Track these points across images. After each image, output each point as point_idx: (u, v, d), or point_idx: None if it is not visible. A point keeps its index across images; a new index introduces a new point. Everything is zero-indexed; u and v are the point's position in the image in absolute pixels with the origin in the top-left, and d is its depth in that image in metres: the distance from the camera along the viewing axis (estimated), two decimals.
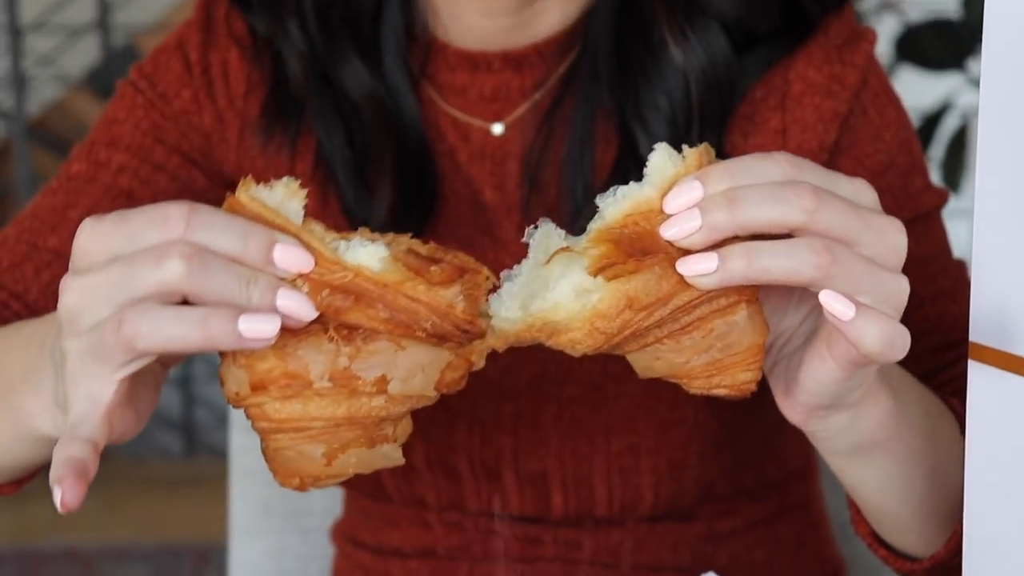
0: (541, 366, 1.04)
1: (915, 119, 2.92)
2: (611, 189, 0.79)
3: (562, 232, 0.79)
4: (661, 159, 0.79)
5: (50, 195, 1.10)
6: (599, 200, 0.78)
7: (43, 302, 1.06)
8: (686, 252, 0.77)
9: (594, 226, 0.79)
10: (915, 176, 1.06)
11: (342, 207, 1.08)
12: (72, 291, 0.73)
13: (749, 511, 1.07)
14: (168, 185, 1.09)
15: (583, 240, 0.79)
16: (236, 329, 0.70)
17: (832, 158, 1.04)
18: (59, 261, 1.07)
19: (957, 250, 1.08)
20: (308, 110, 1.08)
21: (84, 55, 5.43)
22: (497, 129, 1.07)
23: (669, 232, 0.74)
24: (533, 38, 1.06)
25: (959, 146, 3.01)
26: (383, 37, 1.06)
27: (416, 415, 1.05)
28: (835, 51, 1.04)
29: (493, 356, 1.04)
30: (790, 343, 0.83)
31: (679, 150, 0.98)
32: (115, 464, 4.82)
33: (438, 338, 0.78)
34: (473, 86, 1.07)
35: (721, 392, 0.81)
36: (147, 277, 0.70)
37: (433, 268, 0.78)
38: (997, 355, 0.78)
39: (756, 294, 0.79)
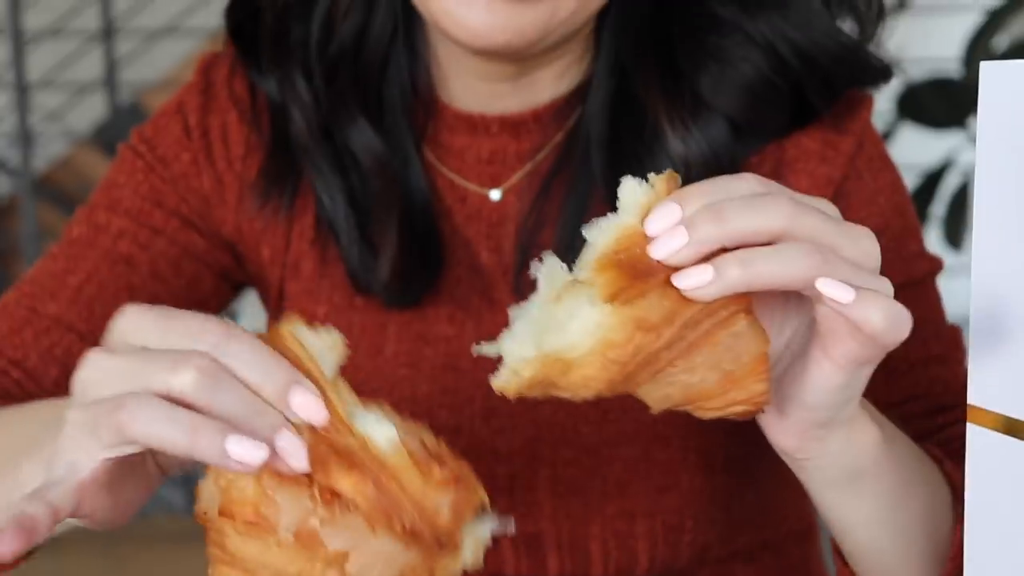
0: (536, 429, 1.05)
1: (916, 177, 2.94)
2: (592, 220, 0.79)
3: (565, 265, 0.79)
4: (631, 190, 0.79)
5: (51, 260, 1.10)
6: (585, 231, 0.78)
7: (42, 368, 1.06)
8: (678, 270, 0.77)
9: (589, 256, 0.79)
10: (909, 241, 1.06)
11: (346, 268, 1.08)
12: (90, 366, 0.73)
13: (745, 574, 1.06)
14: (167, 249, 1.09)
15: (584, 270, 0.78)
16: (223, 446, 0.69)
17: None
18: (58, 328, 1.07)
19: (961, 307, 1.08)
20: (308, 170, 1.08)
21: (91, 112, 5.46)
22: (495, 195, 1.08)
23: (659, 252, 0.74)
24: (531, 104, 1.06)
25: (960, 204, 3.03)
26: (388, 97, 1.07)
27: None
28: (830, 118, 1.05)
29: (487, 418, 1.05)
30: (777, 365, 0.82)
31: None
32: None
33: (412, 537, 0.77)
34: (471, 149, 1.08)
35: (738, 410, 0.81)
36: (159, 375, 0.70)
37: (436, 468, 0.78)
38: (996, 417, 0.78)
39: (751, 303, 0.78)
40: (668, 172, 0.79)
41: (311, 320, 1.07)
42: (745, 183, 0.76)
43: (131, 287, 1.08)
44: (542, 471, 1.04)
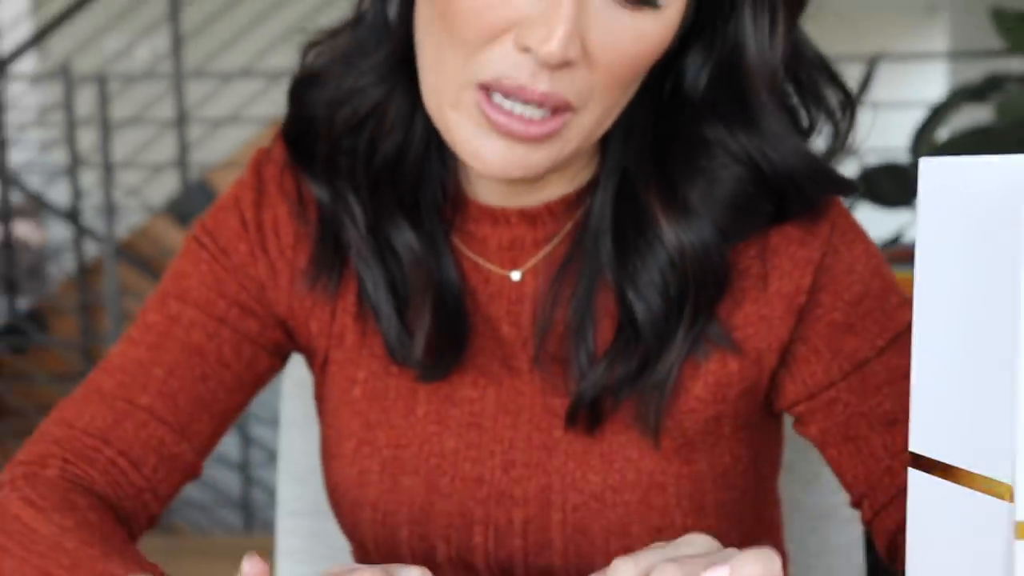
0: (548, 477, 1.04)
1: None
2: None
3: None
4: None
5: (133, 347, 1.09)
6: None
7: (143, 458, 1.05)
8: None
9: None
10: (890, 296, 1.05)
11: (385, 344, 1.07)
12: None
13: None
14: (230, 336, 1.09)
15: None
16: None
17: (811, 296, 1.03)
18: (153, 420, 1.06)
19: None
20: (353, 261, 1.07)
21: (165, 188, 5.47)
22: (515, 276, 1.07)
23: None
24: (545, 199, 1.05)
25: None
26: (423, 200, 1.06)
27: (438, 519, 1.06)
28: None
29: (506, 469, 1.05)
30: None
31: (678, 321, 1.01)
32: (183, 537, 4.80)
33: None
34: (493, 237, 1.07)
35: None
36: None
37: None
38: (932, 463, 0.78)
39: None
40: None
41: (352, 380, 1.08)
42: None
43: (204, 376, 1.08)
44: (554, 515, 1.04)
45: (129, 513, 1.03)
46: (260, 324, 1.10)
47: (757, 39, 0.96)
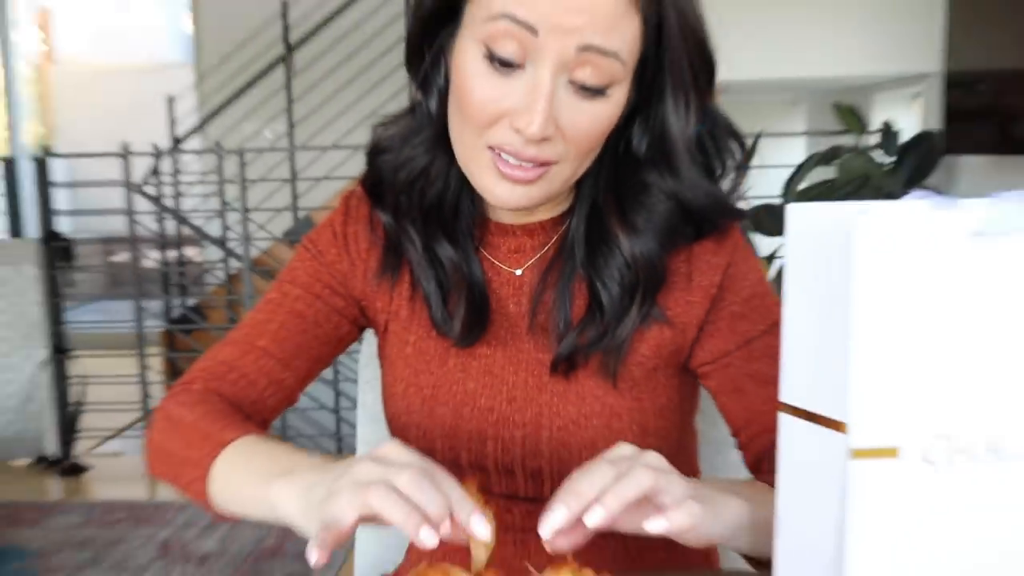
0: (538, 408, 1.04)
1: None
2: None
3: None
4: None
5: (257, 312, 1.11)
6: None
7: (260, 381, 1.06)
8: None
9: None
10: (768, 297, 1.05)
11: (431, 321, 1.07)
12: (365, 465, 0.76)
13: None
14: (322, 307, 1.10)
15: None
16: (418, 532, 0.71)
17: (719, 291, 1.03)
18: (266, 355, 1.07)
19: None
20: (411, 268, 1.08)
21: (282, 223, 5.47)
22: (518, 272, 1.07)
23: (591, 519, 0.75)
24: (539, 219, 1.06)
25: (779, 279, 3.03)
26: (459, 225, 1.06)
27: (462, 436, 1.05)
28: (718, 230, 1.05)
29: (509, 401, 1.04)
30: None
31: (630, 303, 1.01)
32: None
33: None
34: (504, 245, 1.07)
35: None
36: (392, 473, 0.74)
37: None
38: (796, 409, 0.77)
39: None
40: None
41: (405, 343, 1.08)
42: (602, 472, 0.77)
43: (303, 331, 1.09)
44: (543, 433, 1.03)
45: (247, 415, 1.04)
46: (343, 301, 1.11)
47: (676, 117, 0.97)
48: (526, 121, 0.89)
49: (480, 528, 0.73)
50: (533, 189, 0.95)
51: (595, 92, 0.91)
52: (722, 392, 1.05)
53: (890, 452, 0.68)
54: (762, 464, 1.02)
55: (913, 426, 0.68)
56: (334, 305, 1.10)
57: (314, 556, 0.73)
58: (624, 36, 0.90)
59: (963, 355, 0.68)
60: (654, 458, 0.79)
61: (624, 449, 0.81)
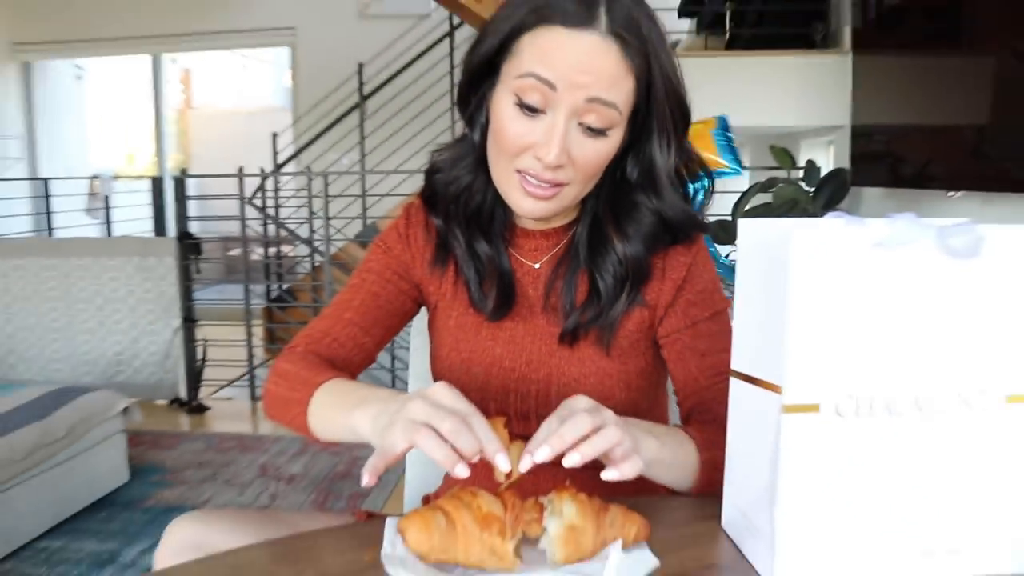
0: (549, 370, 1.03)
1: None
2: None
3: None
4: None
5: (343, 294, 1.10)
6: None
7: (347, 343, 1.06)
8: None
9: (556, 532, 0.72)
10: (715, 293, 1.04)
11: (469, 300, 1.06)
12: (417, 404, 0.74)
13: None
14: (392, 288, 1.09)
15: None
16: (455, 467, 0.71)
17: (682, 284, 1.02)
18: (352, 324, 1.07)
19: None
20: (454, 256, 1.07)
21: (354, 228, 5.46)
22: (537, 265, 1.06)
23: (569, 461, 0.72)
24: (553, 226, 1.05)
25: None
26: (494, 227, 1.05)
27: (490, 391, 1.03)
28: (687, 239, 1.03)
29: (528, 363, 1.03)
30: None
31: (621, 291, 1.00)
32: None
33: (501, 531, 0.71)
34: (527, 245, 1.06)
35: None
36: (436, 420, 0.72)
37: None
38: (743, 376, 0.76)
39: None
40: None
41: (449, 317, 1.07)
42: (579, 423, 0.74)
43: (378, 306, 1.08)
44: (552, 389, 1.02)
45: (339, 369, 1.02)
46: (407, 284, 1.10)
47: (660, 152, 0.96)
48: (545, 152, 0.90)
49: (502, 463, 0.72)
50: (549, 204, 0.95)
51: (598, 132, 0.91)
52: (670, 360, 1.04)
53: (813, 408, 0.68)
54: (690, 417, 1.01)
55: (830, 388, 0.68)
56: (400, 287, 1.10)
57: (365, 478, 0.73)
58: (621, 92, 0.90)
59: (868, 335, 0.68)
60: (609, 414, 0.78)
61: (582, 401, 0.78)
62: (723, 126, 3.08)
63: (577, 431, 0.73)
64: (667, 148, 0.96)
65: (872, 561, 0.70)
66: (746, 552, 0.75)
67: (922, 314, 0.68)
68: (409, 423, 0.73)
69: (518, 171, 0.94)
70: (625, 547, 0.72)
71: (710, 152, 3.01)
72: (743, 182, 4.32)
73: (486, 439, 0.73)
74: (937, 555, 0.71)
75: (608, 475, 0.75)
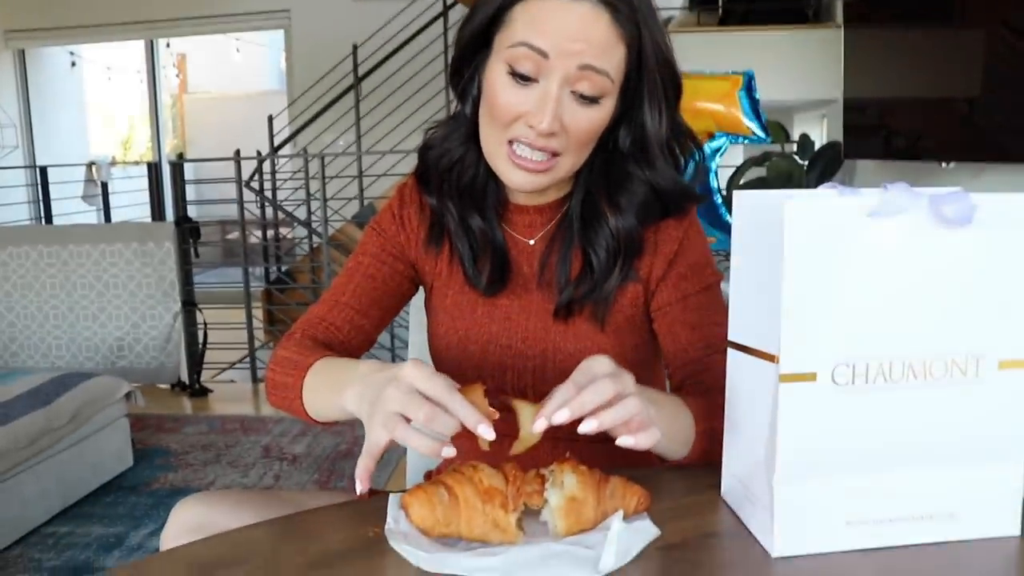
0: (545, 345, 1.03)
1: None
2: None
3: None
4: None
5: (340, 278, 1.10)
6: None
7: (344, 327, 1.06)
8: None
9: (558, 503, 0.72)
10: (707, 267, 1.04)
11: (464, 276, 1.06)
12: (391, 392, 0.73)
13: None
14: (387, 269, 1.09)
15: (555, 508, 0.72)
16: (437, 454, 0.72)
17: (674, 258, 1.02)
18: (348, 307, 1.07)
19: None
20: (448, 235, 1.06)
21: (351, 209, 5.46)
22: (531, 242, 1.06)
23: (586, 428, 0.72)
24: (547, 201, 1.05)
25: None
26: (487, 202, 1.05)
27: (487, 367, 1.03)
28: (679, 211, 1.03)
29: (523, 339, 1.02)
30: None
31: (614, 266, 0.99)
32: None
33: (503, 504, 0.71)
34: (521, 221, 1.06)
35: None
36: (411, 411, 0.72)
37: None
38: (740, 346, 0.77)
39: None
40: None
41: (445, 296, 1.07)
42: (601, 388, 0.73)
43: (374, 288, 1.08)
44: (548, 364, 1.02)
45: (337, 354, 1.01)
46: (403, 265, 1.09)
47: (652, 121, 0.96)
48: (538, 119, 0.90)
49: (485, 432, 0.71)
50: (541, 177, 0.95)
51: (591, 100, 0.91)
52: (661, 332, 1.04)
53: (810, 376, 0.68)
54: (682, 388, 1.00)
55: (826, 357, 0.68)
56: (396, 268, 1.09)
57: (359, 486, 0.75)
58: (612, 60, 0.90)
59: (863, 303, 0.68)
60: (630, 379, 0.76)
61: (604, 364, 0.76)
62: (748, 85, 2.95)
63: (599, 398, 0.72)
64: (659, 117, 0.96)
65: (870, 527, 0.71)
66: (745, 520, 0.75)
67: (916, 282, 0.68)
68: (386, 416, 0.73)
69: (509, 142, 0.94)
70: (626, 518, 0.72)
71: (736, 114, 2.89)
72: (738, 156, 4.31)
73: (464, 414, 0.72)
74: (935, 520, 0.71)
75: (624, 442, 0.74)
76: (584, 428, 0.72)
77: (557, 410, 0.72)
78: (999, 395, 0.70)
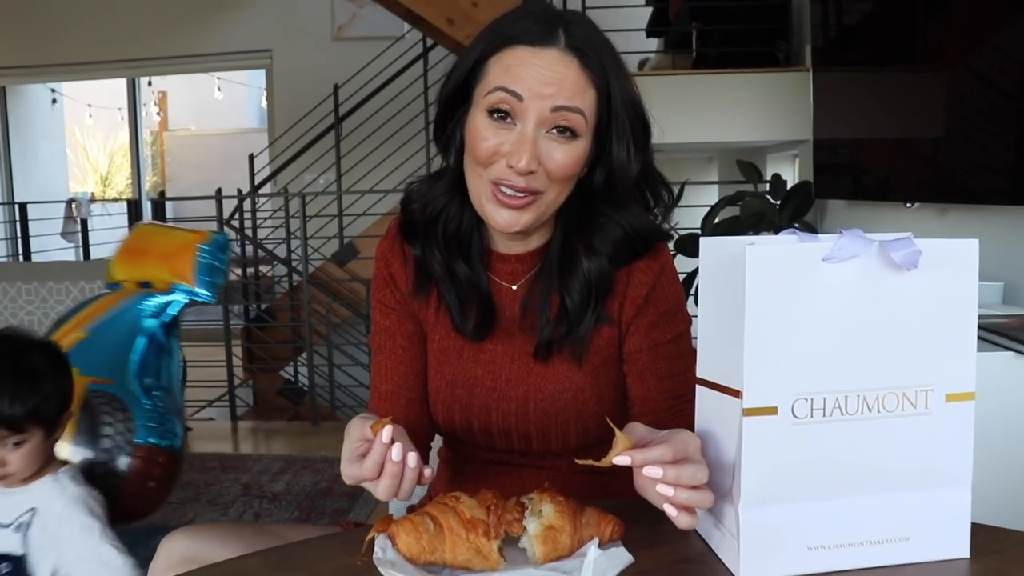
0: (526, 387, 1.05)
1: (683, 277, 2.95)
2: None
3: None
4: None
5: (373, 367, 1.13)
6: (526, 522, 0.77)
7: (401, 415, 1.07)
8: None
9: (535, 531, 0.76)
10: (678, 315, 1.07)
11: (451, 322, 1.08)
12: (343, 471, 0.83)
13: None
14: (404, 336, 1.10)
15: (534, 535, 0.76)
16: (396, 482, 0.80)
17: (644, 303, 1.04)
18: (392, 396, 1.09)
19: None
20: (436, 283, 1.08)
21: (331, 247, 5.48)
22: (514, 287, 1.08)
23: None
24: (527, 248, 1.07)
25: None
26: (472, 251, 1.07)
27: (474, 408, 1.06)
28: (651, 254, 1.05)
29: (508, 381, 1.05)
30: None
31: (587, 308, 1.02)
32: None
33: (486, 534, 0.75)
34: (504, 268, 1.08)
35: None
36: (374, 492, 0.82)
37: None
38: (707, 382, 0.80)
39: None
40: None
41: (433, 341, 1.09)
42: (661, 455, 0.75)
43: (402, 361, 1.09)
44: (530, 405, 1.05)
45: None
46: (412, 322, 1.10)
47: (621, 161, 0.99)
48: (516, 159, 0.94)
49: (395, 453, 0.78)
50: (525, 215, 0.98)
51: (566, 138, 0.96)
52: (631, 375, 1.06)
53: (771, 410, 0.73)
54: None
55: (786, 392, 0.73)
56: (410, 329, 1.11)
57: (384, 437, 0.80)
58: (585, 100, 0.95)
59: (820, 341, 0.73)
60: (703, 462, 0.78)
61: (697, 445, 0.78)
62: (219, 246, 2.74)
63: (693, 480, 0.75)
64: (628, 157, 1.00)
65: (830, 551, 0.75)
66: (714, 547, 0.79)
67: (868, 321, 0.73)
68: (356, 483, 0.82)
69: (492, 182, 0.97)
70: (601, 545, 0.76)
71: (184, 267, 2.65)
72: (712, 195, 4.39)
73: (411, 464, 0.80)
74: (891, 543, 0.76)
75: (679, 521, 0.76)
76: (662, 490, 0.75)
77: (649, 463, 0.75)
78: (947, 425, 0.75)
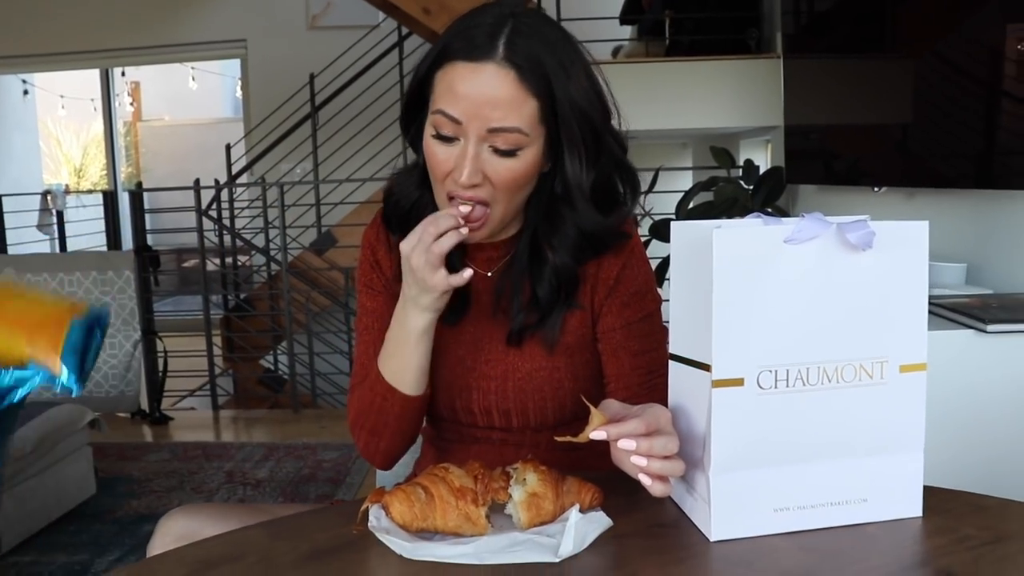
0: (503, 367, 1.09)
1: (656, 262, 3.00)
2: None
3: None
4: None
5: (358, 347, 1.15)
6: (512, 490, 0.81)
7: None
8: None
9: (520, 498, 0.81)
10: (648, 295, 1.10)
11: None
12: (416, 261, 0.96)
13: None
14: (382, 297, 1.13)
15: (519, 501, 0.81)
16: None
17: (614, 284, 1.07)
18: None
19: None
20: None
21: (309, 236, 5.49)
22: (489, 274, 1.11)
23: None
24: (501, 238, 1.10)
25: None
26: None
27: (455, 388, 1.09)
28: (620, 239, 1.08)
29: (486, 361, 1.08)
30: None
31: (556, 299, 1.05)
32: (330, 409, 4.78)
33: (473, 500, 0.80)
34: (480, 256, 1.11)
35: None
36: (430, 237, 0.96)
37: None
38: (679, 358, 0.85)
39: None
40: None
41: None
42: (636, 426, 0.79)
43: (382, 327, 1.09)
44: (508, 384, 1.08)
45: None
46: (391, 284, 1.13)
47: (573, 169, 1.01)
48: (459, 174, 0.97)
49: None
50: (479, 232, 1.01)
51: (507, 153, 0.97)
52: (605, 355, 1.09)
53: (738, 382, 0.78)
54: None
55: (752, 364, 0.78)
56: (390, 293, 1.12)
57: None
58: (523, 114, 0.96)
59: (782, 317, 0.78)
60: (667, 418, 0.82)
61: (668, 418, 0.82)
62: (99, 322, 2.44)
63: (665, 451, 0.79)
64: (579, 164, 1.01)
65: (794, 512, 0.81)
66: (687, 511, 0.85)
67: (827, 298, 0.78)
68: (422, 265, 0.94)
69: (450, 197, 1.00)
70: (582, 511, 0.81)
71: (49, 344, 2.18)
72: (686, 181, 4.44)
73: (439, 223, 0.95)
74: (850, 504, 0.82)
75: (653, 489, 0.81)
76: (636, 460, 0.80)
77: (623, 436, 0.79)
78: (900, 394, 0.81)
